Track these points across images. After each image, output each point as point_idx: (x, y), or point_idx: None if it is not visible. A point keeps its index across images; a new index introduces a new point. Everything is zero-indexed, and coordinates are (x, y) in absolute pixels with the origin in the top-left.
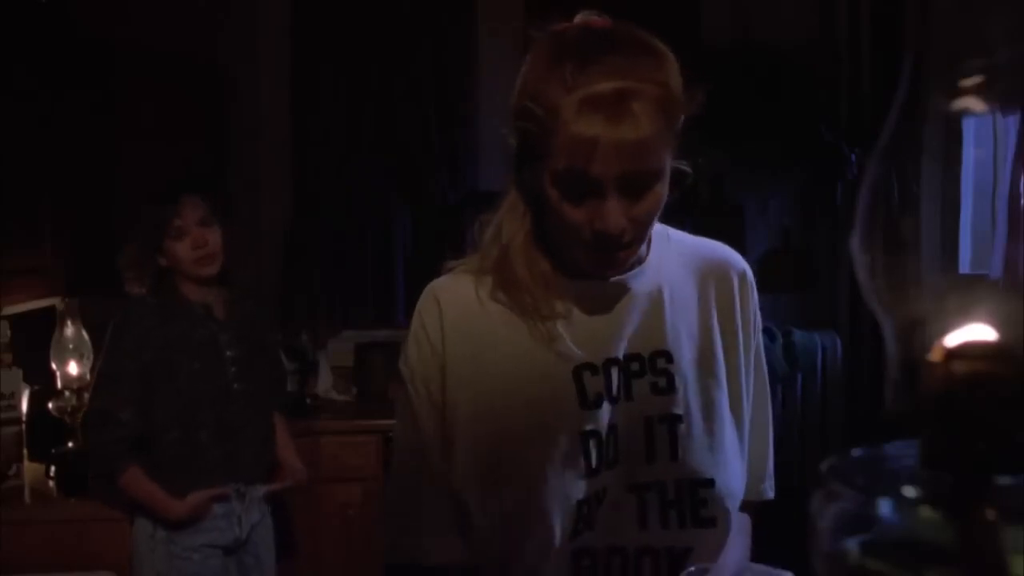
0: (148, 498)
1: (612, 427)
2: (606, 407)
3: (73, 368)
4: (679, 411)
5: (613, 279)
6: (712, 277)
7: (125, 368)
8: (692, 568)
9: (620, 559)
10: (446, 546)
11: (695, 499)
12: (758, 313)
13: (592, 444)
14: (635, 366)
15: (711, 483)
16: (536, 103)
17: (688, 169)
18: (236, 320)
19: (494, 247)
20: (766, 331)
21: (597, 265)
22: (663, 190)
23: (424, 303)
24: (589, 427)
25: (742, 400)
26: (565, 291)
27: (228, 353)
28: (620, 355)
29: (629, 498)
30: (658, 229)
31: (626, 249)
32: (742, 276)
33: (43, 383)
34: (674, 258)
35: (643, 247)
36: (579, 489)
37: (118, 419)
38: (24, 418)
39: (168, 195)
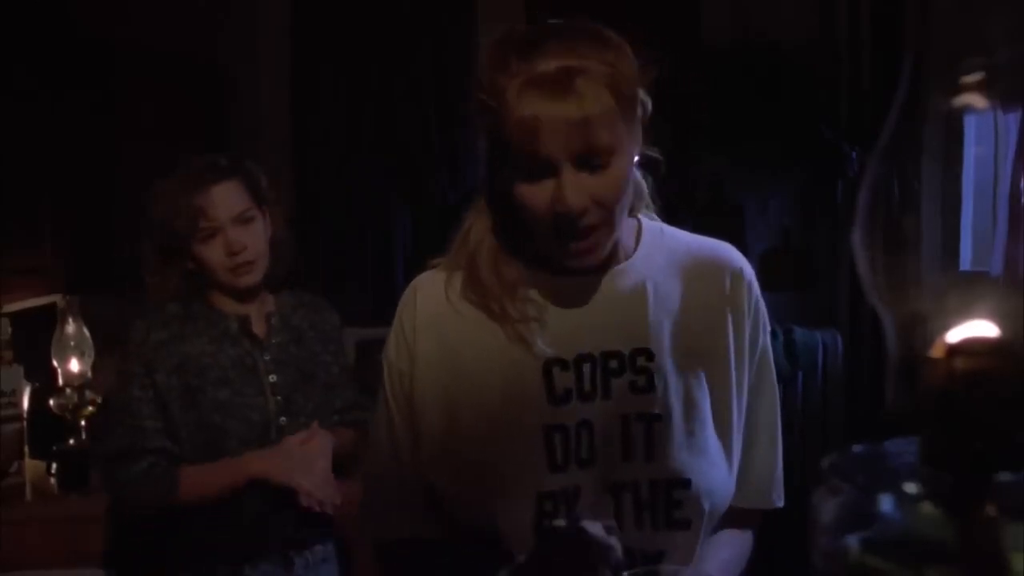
0: (222, 481)
1: (585, 424)
2: (577, 403)
3: (74, 365)
4: (657, 410)
5: (594, 275)
6: (702, 276)
7: (139, 395)
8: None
9: None
10: (417, 528)
11: (669, 500)
12: (760, 314)
13: (557, 439)
14: (614, 364)
15: (687, 484)
16: (486, 94)
17: (658, 156)
18: (284, 338)
19: (463, 249)
20: None
21: (567, 254)
22: (622, 169)
23: (405, 297)
24: (555, 422)
25: (731, 402)
26: (541, 286)
27: (271, 379)
28: (595, 351)
29: (606, 498)
30: (651, 225)
31: (592, 233)
32: (736, 276)
33: (44, 381)
34: (664, 255)
35: (631, 243)
36: (540, 483)
37: (145, 449)
38: (25, 415)
39: (191, 185)
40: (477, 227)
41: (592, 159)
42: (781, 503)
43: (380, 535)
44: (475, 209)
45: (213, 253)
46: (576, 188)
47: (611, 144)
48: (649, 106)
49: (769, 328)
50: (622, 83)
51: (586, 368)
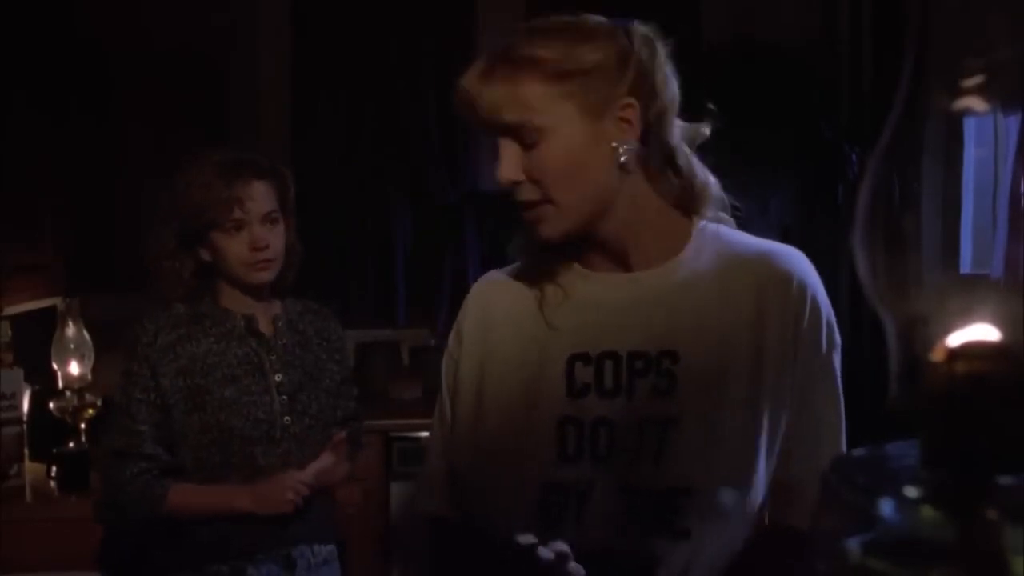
0: (209, 506)
1: (603, 421)
2: (595, 399)
3: (74, 368)
4: (674, 414)
5: (628, 274)
6: (746, 281)
7: (140, 398)
8: None
9: (608, 560)
10: (440, 507)
11: (671, 508)
12: (818, 325)
13: (570, 431)
14: (639, 364)
15: (690, 493)
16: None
17: (627, 146)
18: (290, 339)
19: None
20: None
21: (524, 222)
22: (555, 150)
23: (470, 291)
24: (568, 414)
25: (761, 415)
26: (576, 279)
27: (276, 378)
28: (621, 350)
29: (618, 499)
30: (707, 227)
31: (534, 208)
32: (784, 283)
33: (44, 383)
34: (709, 257)
35: (672, 247)
36: (547, 473)
37: (140, 454)
38: (25, 418)
39: (232, 175)
40: None
41: (520, 136)
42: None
43: (415, 508)
44: None
45: (235, 246)
46: (510, 161)
47: (537, 124)
48: (637, 106)
49: (834, 341)
50: (566, 73)
51: (608, 365)
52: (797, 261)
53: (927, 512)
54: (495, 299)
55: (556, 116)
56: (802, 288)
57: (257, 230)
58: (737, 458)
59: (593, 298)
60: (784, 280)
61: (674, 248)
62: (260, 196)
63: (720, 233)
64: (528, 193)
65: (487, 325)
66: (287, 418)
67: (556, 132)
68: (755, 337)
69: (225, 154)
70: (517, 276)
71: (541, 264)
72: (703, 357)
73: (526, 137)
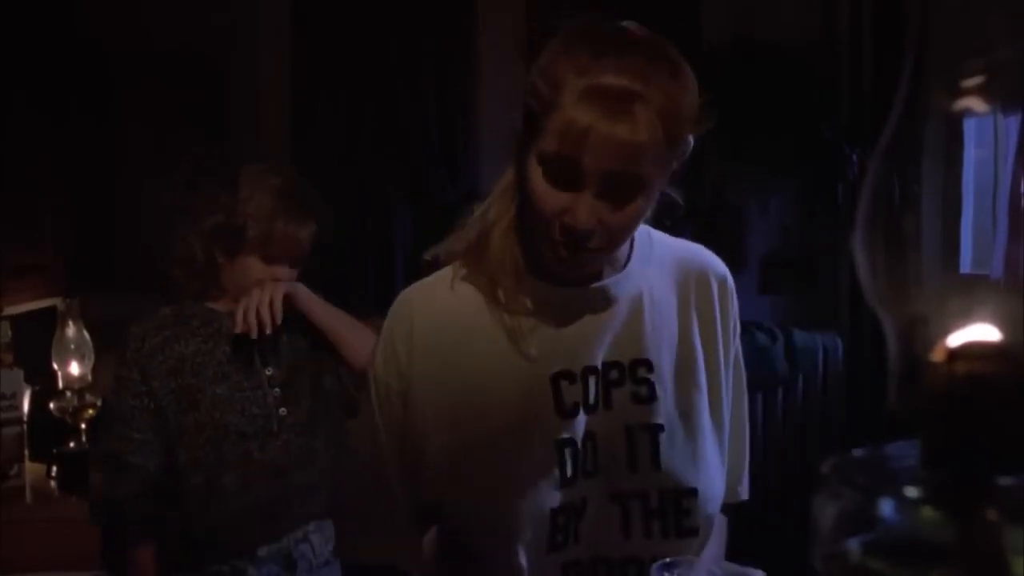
0: None
1: (589, 436)
2: (582, 416)
3: (74, 368)
4: (660, 420)
5: (594, 286)
6: (692, 282)
7: (131, 402)
8: (667, 559)
9: (606, 569)
10: (397, 555)
11: (679, 509)
12: (737, 319)
13: (568, 453)
14: (614, 374)
15: (694, 492)
16: (544, 79)
17: (680, 201)
18: (278, 333)
19: (475, 228)
20: (767, 332)
21: (560, 263)
22: (644, 205)
23: (396, 311)
24: (565, 435)
25: (722, 405)
26: (542, 296)
27: (268, 372)
28: (598, 363)
29: (612, 508)
30: (641, 233)
31: (591, 253)
32: (722, 281)
33: (44, 383)
34: (655, 263)
35: (625, 252)
36: (553, 499)
37: (128, 463)
38: (25, 418)
39: (299, 215)
40: (498, 205)
41: (622, 188)
42: (746, 496)
43: (357, 556)
44: (499, 190)
45: (261, 271)
46: (591, 210)
47: (645, 179)
48: (690, 149)
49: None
50: (676, 121)
51: (591, 380)
52: (720, 260)
53: (927, 512)
54: (445, 322)
55: (658, 168)
56: (732, 287)
57: (286, 273)
58: (716, 452)
59: (559, 312)
60: (722, 281)
61: (624, 254)
62: (310, 240)
63: (652, 237)
64: (597, 242)
65: (444, 352)
66: (283, 410)
67: (653, 189)
68: (712, 335)
69: (289, 183)
70: (463, 292)
71: (492, 255)
72: (674, 361)
73: (630, 191)
